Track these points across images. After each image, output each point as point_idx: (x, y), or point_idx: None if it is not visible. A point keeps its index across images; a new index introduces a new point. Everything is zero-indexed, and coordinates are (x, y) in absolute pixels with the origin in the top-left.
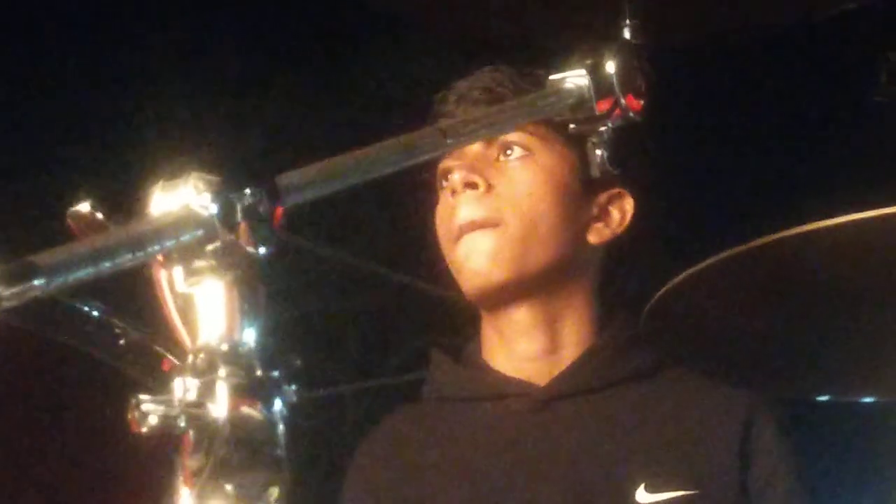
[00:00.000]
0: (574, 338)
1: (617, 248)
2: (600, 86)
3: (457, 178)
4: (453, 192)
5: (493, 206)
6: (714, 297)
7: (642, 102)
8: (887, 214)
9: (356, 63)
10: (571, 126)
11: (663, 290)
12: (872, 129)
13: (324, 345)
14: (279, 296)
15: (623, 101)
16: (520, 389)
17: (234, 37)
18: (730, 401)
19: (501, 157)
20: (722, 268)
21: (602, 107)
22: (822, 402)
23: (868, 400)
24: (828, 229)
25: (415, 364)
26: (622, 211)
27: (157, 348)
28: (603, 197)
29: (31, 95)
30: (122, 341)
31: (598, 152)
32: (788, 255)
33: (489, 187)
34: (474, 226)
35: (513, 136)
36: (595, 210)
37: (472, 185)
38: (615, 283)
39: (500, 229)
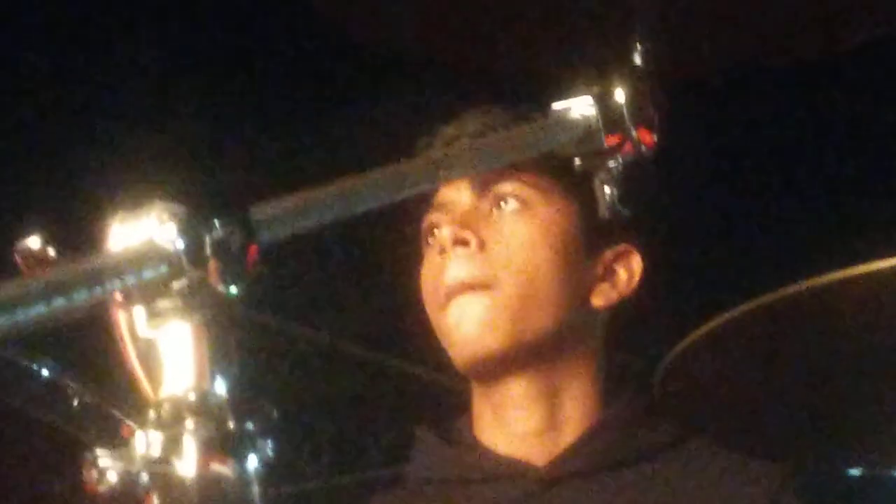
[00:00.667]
0: (577, 412)
1: (623, 312)
2: (609, 116)
3: (445, 234)
4: (441, 250)
5: (486, 266)
6: (734, 357)
7: (655, 137)
8: None
9: (347, 93)
10: (577, 162)
11: (678, 348)
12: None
13: (291, 434)
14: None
15: (634, 134)
16: (516, 470)
17: (211, 56)
18: (754, 477)
19: (495, 211)
20: (743, 323)
21: (611, 140)
22: (854, 476)
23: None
24: (858, 277)
25: (396, 456)
26: (630, 270)
27: (115, 412)
28: (608, 255)
29: None
30: (75, 403)
31: (608, 190)
32: (817, 306)
33: (481, 245)
34: (465, 288)
35: (507, 187)
36: (600, 269)
37: (462, 243)
38: (621, 351)
39: (494, 292)
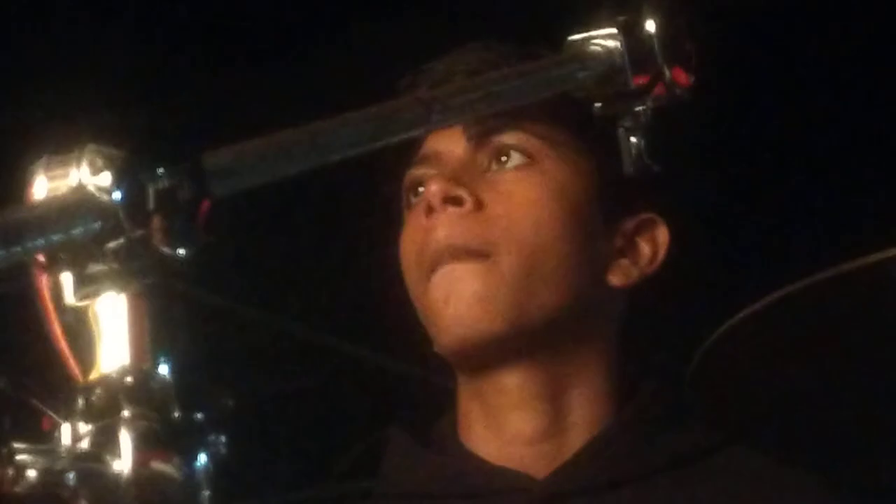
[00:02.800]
0: (586, 414)
1: (645, 294)
2: (637, 52)
3: (435, 190)
4: (429, 209)
5: (483, 230)
6: (779, 348)
7: (692, 77)
8: None
9: (319, 24)
10: (597, 105)
11: (715, 335)
12: None
13: (247, 441)
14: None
15: (668, 73)
16: (511, 484)
17: None
18: (798, 491)
19: (494, 166)
20: (795, 305)
21: (639, 80)
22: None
23: None
24: None
25: (367, 464)
26: (654, 243)
27: (34, 401)
28: (629, 224)
29: None
30: None
31: (633, 141)
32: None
33: (478, 205)
34: (456, 253)
35: (510, 138)
36: (619, 242)
37: (455, 201)
38: (639, 341)
39: (491, 263)
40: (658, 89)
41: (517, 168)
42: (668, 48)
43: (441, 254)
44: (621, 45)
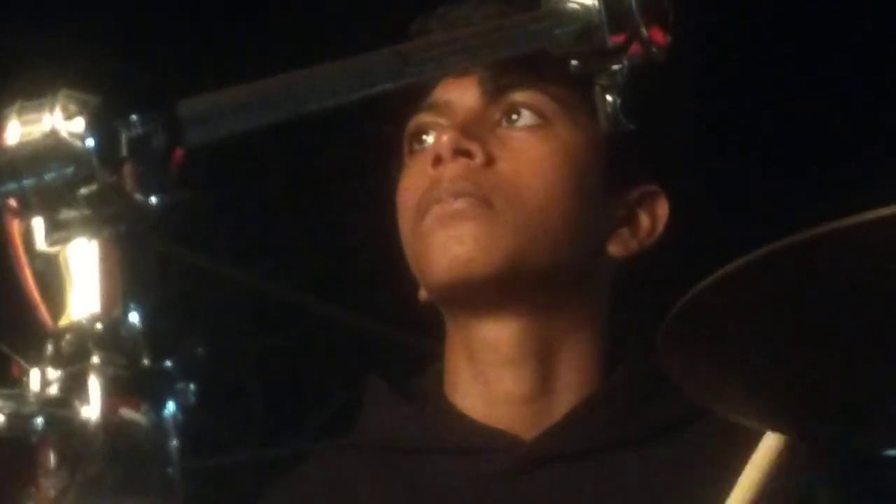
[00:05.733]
0: (574, 377)
1: (637, 265)
2: (615, 10)
3: (446, 140)
4: (437, 159)
5: (491, 185)
6: (752, 313)
7: (668, 36)
8: None
9: None
10: (574, 63)
11: (685, 298)
12: None
13: (219, 397)
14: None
15: (644, 31)
16: (498, 443)
17: None
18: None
19: (505, 123)
20: (764, 268)
21: (616, 39)
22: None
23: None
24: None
25: (340, 424)
26: (653, 216)
27: (2, 347)
28: (633, 194)
29: None
30: None
31: (609, 98)
32: (851, 251)
33: (488, 160)
34: (460, 194)
35: (525, 96)
36: (622, 211)
37: (465, 153)
38: (628, 310)
39: (495, 213)
40: (634, 48)
41: (529, 128)
42: (646, 8)
43: (446, 211)
44: (599, 4)
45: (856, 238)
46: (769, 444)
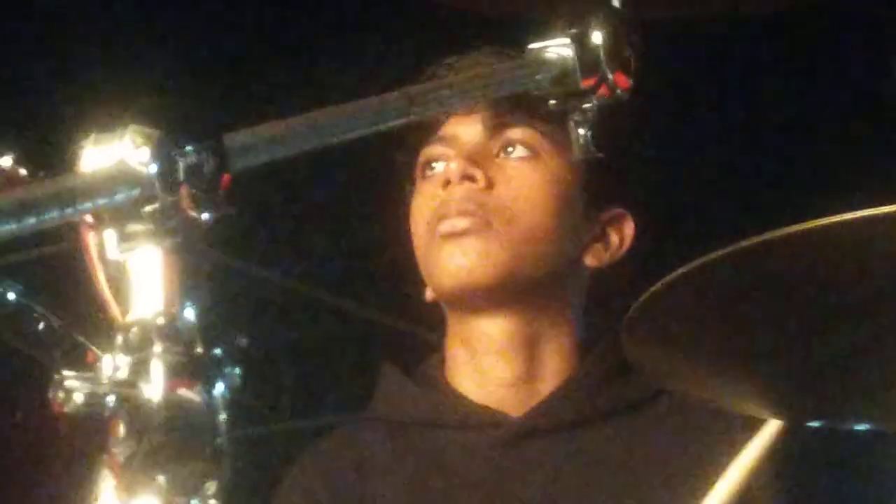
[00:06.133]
0: (554, 364)
1: (605, 272)
2: (586, 58)
3: (454, 167)
4: (446, 182)
5: (490, 205)
6: (702, 307)
7: (630, 80)
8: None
9: (330, 30)
10: (552, 102)
11: (645, 295)
12: (877, 120)
13: (258, 379)
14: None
15: (610, 76)
16: (490, 419)
17: None
18: (729, 433)
19: (502, 154)
20: (710, 272)
21: (587, 82)
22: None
23: (862, 428)
24: (822, 228)
25: (359, 405)
26: (621, 234)
27: (80, 338)
28: (605, 216)
29: None
30: (40, 327)
31: (581, 132)
32: (780, 257)
33: (489, 184)
34: (465, 215)
35: (519, 133)
36: (597, 229)
37: (471, 178)
38: (598, 308)
39: (493, 232)
40: (602, 90)
41: (522, 159)
42: (612, 56)
43: (454, 227)
44: (573, 53)
45: (787, 249)
46: (768, 430)
